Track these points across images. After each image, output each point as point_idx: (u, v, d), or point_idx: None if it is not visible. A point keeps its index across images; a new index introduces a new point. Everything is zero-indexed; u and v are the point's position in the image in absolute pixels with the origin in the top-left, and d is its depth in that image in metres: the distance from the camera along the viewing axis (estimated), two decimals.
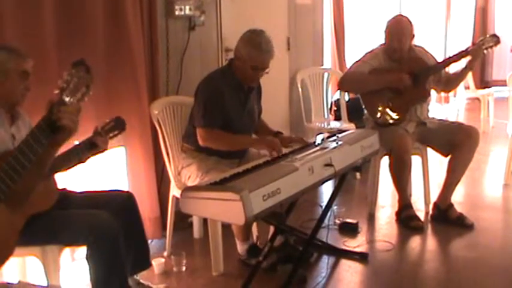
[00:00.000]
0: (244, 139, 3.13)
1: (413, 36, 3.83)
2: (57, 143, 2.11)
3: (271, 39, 3.07)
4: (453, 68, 4.11)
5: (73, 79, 2.00)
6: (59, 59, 2.93)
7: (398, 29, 3.76)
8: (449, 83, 3.96)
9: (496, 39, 3.76)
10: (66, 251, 2.88)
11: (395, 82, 3.73)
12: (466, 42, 8.02)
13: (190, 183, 3.07)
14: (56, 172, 2.44)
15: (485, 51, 3.79)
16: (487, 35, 3.83)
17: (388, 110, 3.79)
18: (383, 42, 3.87)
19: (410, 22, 3.81)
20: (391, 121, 3.79)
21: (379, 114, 3.81)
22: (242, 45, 3.06)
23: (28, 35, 2.79)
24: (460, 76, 3.94)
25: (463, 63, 3.86)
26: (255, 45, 3.00)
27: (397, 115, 3.78)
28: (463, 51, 3.80)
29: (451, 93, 7.76)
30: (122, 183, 3.43)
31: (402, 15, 3.99)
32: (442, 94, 7.22)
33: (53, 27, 2.92)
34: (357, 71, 3.85)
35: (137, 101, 3.37)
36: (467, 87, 7.45)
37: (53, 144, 2.09)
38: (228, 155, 3.06)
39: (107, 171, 3.37)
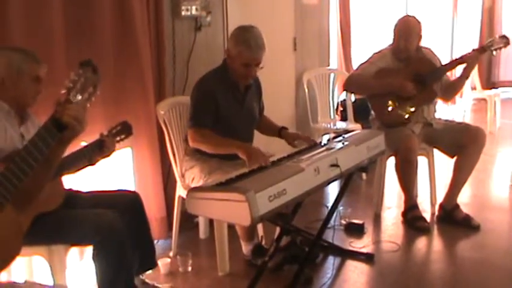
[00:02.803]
0: (229, 143, 2.94)
1: (421, 36, 3.81)
2: (63, 141, 2.10)
3: (262, 34, 3.02)
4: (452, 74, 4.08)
5: (80, 79, 2.00)
6: (66, 59, 2.92)
7: (406, 28, 3.75)
8: (448, 91, 3.91)
9: (506, 41, 3.73)
10: (74, 250, 2.90)
11: (398, 89, 3.71)
12: (473, 43, 7.98)
13: (194, 185, 3.05)
14: (66, 173, 2.44)
15: (494, 53, 3.77)
16: (497, 36, 3.80)
17: (400, 106, 3.76)
18: (391, 42, 3.85)
19: (419, 22, 3.79)
20: (406, 116, 3.75)
21: (390, 108, 3.77)
22: (231, 43, 3.03)
23: (36, 36, 2.79)
24: (457, 84, 3.92)
25: (460, 71, 3.84)
26: (243, 41, 2.97)
27: (412, 107, 3.74)
28: (458, 59, 3.79)
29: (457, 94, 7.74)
30: (128, 184, 3.43)
31: (410, 16, 3.97)
32: None
33: (60, 27, 2.92)
34: (363, 73, 3.84)
35: (144, 102, 3.37)
36: (473, 88, 7.42)
37: (60, 143, 2.08)
38: (230, 157, 3.00)
39: (114, 171, 3.38)
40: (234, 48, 3.00)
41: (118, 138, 2.62)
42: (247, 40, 2.96)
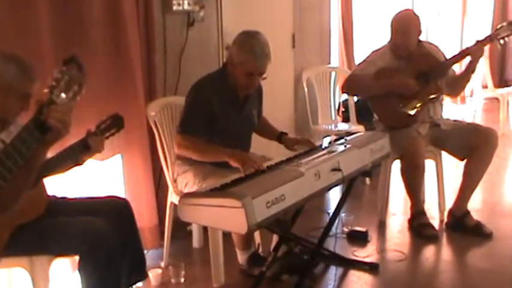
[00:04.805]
0: (219, 151, 2.94)
1: (421, 31, 3.82)
2: (46, 144, 2.10)
3: (268, 41, 3.02)
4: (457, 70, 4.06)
5: (64, 77, 1.99)
6: (54, 56, 2.93)
7: (404, 24, 3.77)
8: (454, 86, 3.92)
9: None
10: (66, 261, 2.90)
11: (401, 88, 3.72)
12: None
13: (187, 191, 3.06)
14: (51, 175, 2.44)
15: (501, 42, 3.76)
16: (505, 23, 3.76)
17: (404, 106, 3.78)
18: (389, 39, 3.87)
19: (417, 16, 3.81)
20: (412, 112, 3.74)
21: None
22: (234, 49, 3.02)
23: (23, 33, 2.80)
24: (463, 79, 3.93)
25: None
26: (248, 49, 2.96)
27: (418, 102, 3.74)
28: (461, 52, 3.79)
29: (467, 93, 7.75)
30: (118, 190, 3.44)
31: (408, 9, 3.98)
32: None
33: (48, 23, 2.94)
34: (362, 74, 3.85)
35: (133, 102, 3.38)
36: (485, 87, 7.43)
37: (42, 146, 2.08)
38: (223, 164, 2.98)
39: (102, 177, 3.39)
40: (237, 55, 2.99)
41: (107, 134, 2.56)
42: (252, 47, 2.96)
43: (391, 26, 3.82)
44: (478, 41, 3.77)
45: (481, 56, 3.77)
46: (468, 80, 3.96)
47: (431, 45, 3.97)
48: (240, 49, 2.99)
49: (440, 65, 3.78)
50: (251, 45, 2.97)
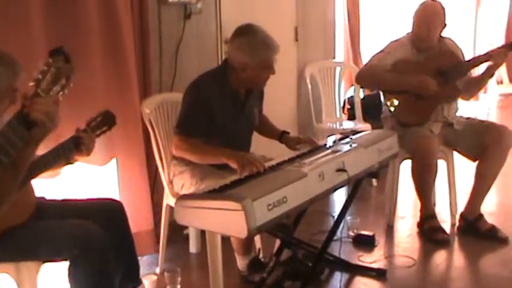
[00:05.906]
0: (218, 152, 2.95)
1: (445, 24, 3.80)
2: (33, 140, 2.07)
3: (261, 26, 3.04)
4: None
5: (50, 70, 1.97)
6: (45, 50, 2.91)
7: (428, 15, 3.75)
8: (469, 89, 3.90)
9: None
10: (59, 268, 2.89)
11: (418, 87, 3.70)
12: (498, 36, 7.96)
13: (184, 193, 3.06)
14: (40, 174, 2.42)
15: None
16: None
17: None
18: (409, 31, 3.85)
19: (443, 8, 3.78)
20: (392, 108, 3.78)
21: (392, 109, 3.79)
22: (242, 54, 2.99)
23: (12, 25, 2.80)
24: (479, 83, 3.93)
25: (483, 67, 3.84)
26: (259, 46, 2.96)
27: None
28: (483, 55, 3.77)
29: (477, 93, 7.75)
30: (111, 192, 3.43)
31: (434, 0, 3.94)
32: None
33: (40, 18, 2.94)
34: (378, 64, 3.81)
35: (127, 100, 3.37)
36: (500, 82, 7.42)
37: (29, 142, 2.06)
38: (222, 165, 2.99)
39: (95, 178, 3.39)
40: (250, 58, 2.97)
41: (98, 132, 2.55)
42: (263, 42, 2.96)
43: (414, 17, 3.80)
44: (504, 45, 3.75)
45: (502, 63, 3.76)
46: (484, 85, 3.96)
47: (452, 41, 3.94)
48: (251, 51, 2.96)
49: (461, 66, 3.77)
50: (260, 41, 2.97)
